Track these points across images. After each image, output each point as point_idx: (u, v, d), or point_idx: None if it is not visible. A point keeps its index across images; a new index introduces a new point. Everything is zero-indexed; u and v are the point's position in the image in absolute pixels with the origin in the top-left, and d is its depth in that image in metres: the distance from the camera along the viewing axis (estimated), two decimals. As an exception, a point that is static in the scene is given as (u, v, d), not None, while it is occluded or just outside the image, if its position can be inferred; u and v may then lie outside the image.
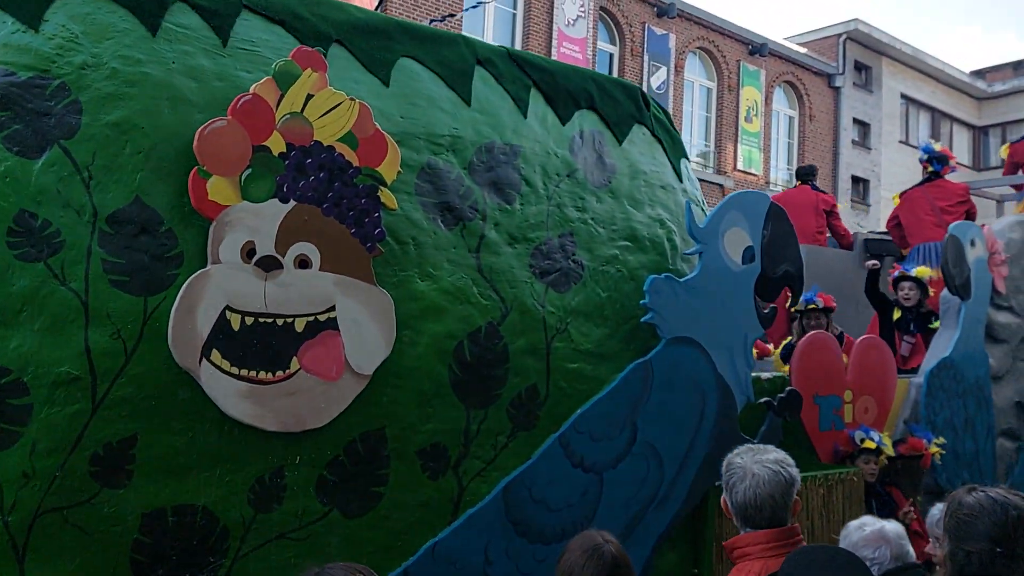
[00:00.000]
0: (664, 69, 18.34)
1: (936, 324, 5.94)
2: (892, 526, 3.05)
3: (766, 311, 4.11)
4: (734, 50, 19.99)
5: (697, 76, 19.59)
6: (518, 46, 15.76)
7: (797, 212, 7.96)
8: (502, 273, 3.25)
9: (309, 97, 2.72)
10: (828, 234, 8.11)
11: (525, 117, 3.51)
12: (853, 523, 3.13)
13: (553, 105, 3.64)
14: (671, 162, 4.13)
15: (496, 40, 15.01)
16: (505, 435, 3.19)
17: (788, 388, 4.24)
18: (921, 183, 7.42)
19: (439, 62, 3.28)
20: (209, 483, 2.55)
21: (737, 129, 19.90)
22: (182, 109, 2.61)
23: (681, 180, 4.15)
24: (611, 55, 18.01)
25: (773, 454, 2.50)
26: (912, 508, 4.72)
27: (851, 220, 18.09)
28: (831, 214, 8.01)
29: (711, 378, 3.80)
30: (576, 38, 16.91)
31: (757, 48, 20.20)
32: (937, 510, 3.06)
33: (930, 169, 7.30)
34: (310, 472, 2.73)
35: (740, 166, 19.92)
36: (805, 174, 8.23)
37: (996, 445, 5.90)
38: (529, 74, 3.56)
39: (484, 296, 3.18)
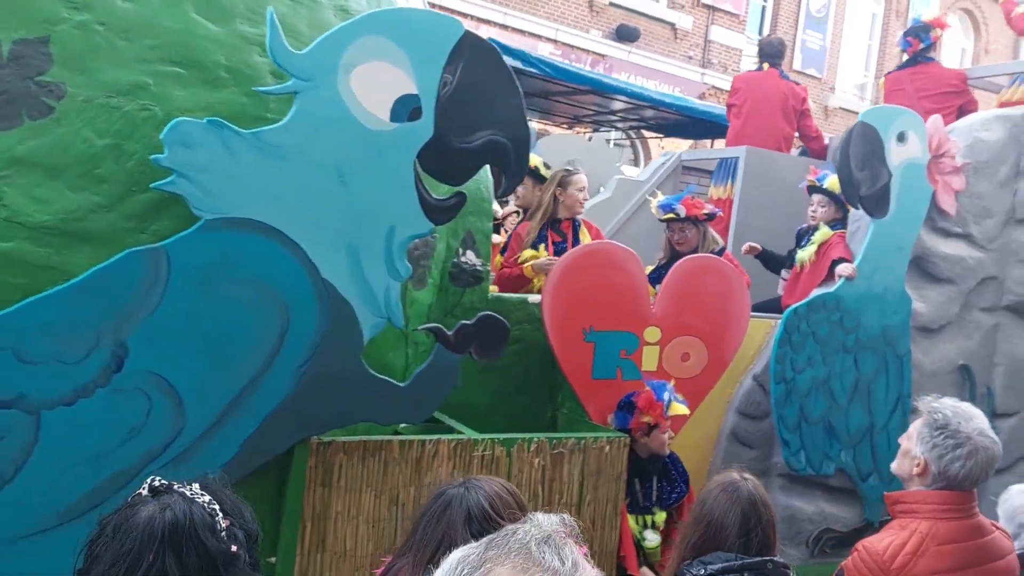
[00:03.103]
0: (826, -9, 16.48)
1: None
2: None
3: (445, 199, 2.74)
4: (905, -30, 17.70)
5: (862, -1, 17.48)
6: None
7: (761, 108, 6.21)
8: None
9: None
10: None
11: None
12: (1015, 487, 2.82)
13: None
14: (327, -41, 2.73)
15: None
16: None
17: (482, 313, 2.89)
18: (905, 64, 5.53)
19: None
20: None
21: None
22: None
23: (344, -10, 2.76)
24: (769, -24, 16.03)
25: (983, 420, 2.25)
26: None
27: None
28: (802, 113, 6.19)
29: (305, 286, 2.51)
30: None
31: (931, -33, 17.68)
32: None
33: (920, 47, 5.39)
34: None
35: (902, 100, 17.79)
36: (773, 54, 6.22)
37: (909, 421, 4.35)
38: None
39: None
